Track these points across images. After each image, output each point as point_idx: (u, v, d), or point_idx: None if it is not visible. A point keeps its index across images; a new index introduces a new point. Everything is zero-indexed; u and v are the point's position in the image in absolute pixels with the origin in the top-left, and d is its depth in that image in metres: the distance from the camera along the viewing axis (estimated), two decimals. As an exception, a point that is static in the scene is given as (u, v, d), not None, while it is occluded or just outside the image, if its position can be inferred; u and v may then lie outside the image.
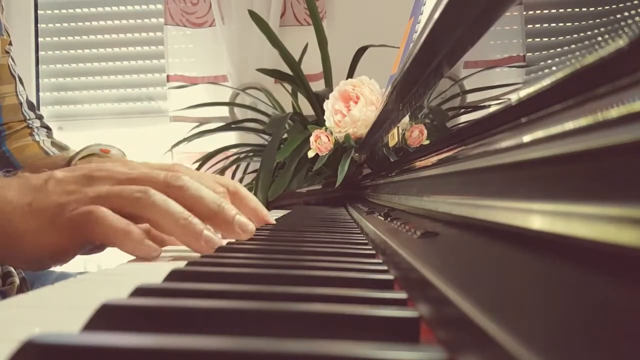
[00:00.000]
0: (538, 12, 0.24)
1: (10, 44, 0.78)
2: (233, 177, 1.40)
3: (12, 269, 0.73)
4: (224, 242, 0.38)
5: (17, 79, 0.79)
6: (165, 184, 0.39)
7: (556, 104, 0.18)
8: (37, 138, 0.80)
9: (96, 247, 0.43)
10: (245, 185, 1.14)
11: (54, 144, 0.83)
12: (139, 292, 0.20)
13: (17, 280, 0.72)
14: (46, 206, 0.37)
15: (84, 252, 0.41)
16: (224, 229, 0.41)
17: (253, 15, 1.30)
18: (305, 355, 0.12)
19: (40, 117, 0.83)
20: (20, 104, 0.79)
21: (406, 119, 0.54)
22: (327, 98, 1.08)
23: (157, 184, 0.39)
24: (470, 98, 0.34)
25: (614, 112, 0.13)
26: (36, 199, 0.37)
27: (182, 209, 0.38)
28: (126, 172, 0.40)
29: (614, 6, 0.16)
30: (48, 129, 0.84)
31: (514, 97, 0.23)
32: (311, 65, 1.50)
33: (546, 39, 0.22)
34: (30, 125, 0.80)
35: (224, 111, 1.62)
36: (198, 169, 1.34)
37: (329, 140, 1.04)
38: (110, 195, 0.37)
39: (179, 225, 0.37)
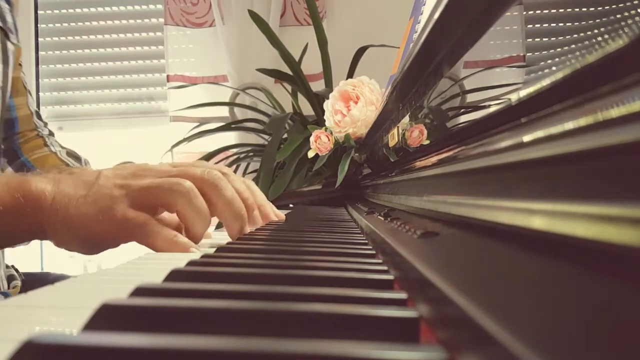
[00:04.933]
0: (538, 12, 0.24)
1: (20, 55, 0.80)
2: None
3: (15, 273, 0.75)
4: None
5: (28, 91, 0.83)
6: (202, 180, 0.44)
7: (556, 104, 0.18)
8: (52, 149, 0.84)
9: None
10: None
11: (69, 154, 0.88)
12: (139, 292, 0.20)
13: (19, 283, 0.73)
14: (99, 198, 0.42)
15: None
16: (231, 231, 0.46)
17: (253, 15, 1.30)
18: (305, 355, 0.12)
19: (45, 124, 0.87)
20: (31, 113, 0.83)
21: (406, 119, 0.54)
22: (327, 98, 1.08)
23: (194, 179, 0.43)
24: (470, 98, 0.34)
25: (614, 112, 0.13)
26: (90, 193, 0.42)
27: (208, 213, 0.43)
28: (167, 170, 0.45)
29: (614, 6, 0.16)
30: (51, 133, 0.88)
31: (514, 97, 0.23)
32: (311, 65, 1.50)
33: (546, 39, 0.22)
34: (40, 134, 0.84)
35: (224, 111, 1.62)
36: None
37: (329, 140, 1.04)
38: (152, 187, 0.42)
39: (203, 224, 0.43)
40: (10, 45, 0.72)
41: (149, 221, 0.41)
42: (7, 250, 0.72)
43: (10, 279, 0.73)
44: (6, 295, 0.66)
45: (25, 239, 0.45)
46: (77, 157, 0.88)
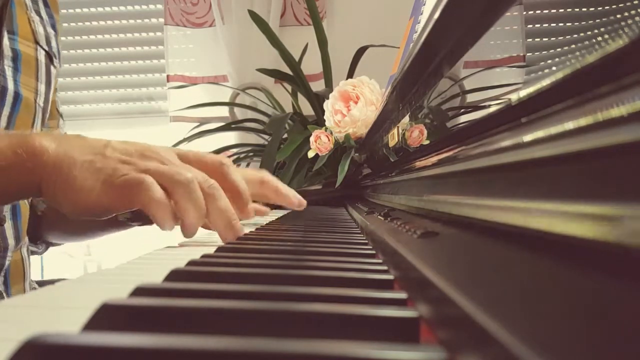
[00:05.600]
0: (538, 12, 0.24)
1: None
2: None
3: (38, 287, 0.76)
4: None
5: (60, 115, 0.83)
6: (199, 186, 0.44)
7: (556, 104, 0.18)
8: None
9: (135, 218, 0.51)
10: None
11: None
12: (139, 292, 0.20)
13: None
14: (103, 167, 0.43)
15: (126, 222, 0.49)
16: (223, 239, 0.46)
17: (253, 15, 1.30)
18: (305, 355, 0.12)
19: None
20: None
21: (406, 119, 0.54)
22: (327, 98, 1.08)
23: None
24: (470, 98, 0.34)
25: (614, 112, 0.13)
26: (95, 160, 0.43)
27: (204, 206, 0.44)
28: (171, 159, 0.46)
29: (614, 6, 0.16)
30: None
31: (514, 97, 0.23)
32: (311, 65, 1.50)
33: (546, 39, 0.22)
34: None
35: (224, 111, 1.62)
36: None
37: (329, 140, 1.04)
38: (156, 171, 0.43)
39: (198, 216, 0.43)
40: (52, 69, 0.73)
41: (147, 178, 0.42)
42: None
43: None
44: None
45: (22, 195, 0.45)
46: None
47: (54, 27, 0.76)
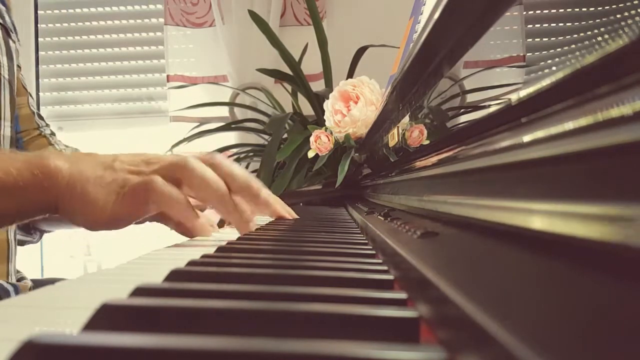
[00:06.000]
0: (538, 12, 0.24)
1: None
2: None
3: (25, 275, 0.76)
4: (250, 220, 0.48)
5: (28, 93, 0.85)
6: (204, 161, 0.48)
7: (556, 104, 0.18)
8: (57, 147, 0.88)
9: (150, 217, 0.53)
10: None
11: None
12: (139, 292, 0.20)
13: (30, 283, 0.74)
14: (114, 180, 0.46)
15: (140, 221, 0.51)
16: (250, 200, 0.49)
17: (253, 15, 1.30)
18: (305, 355, 0.12)
19: (47, 125, 0.90)
20: (33, 113, 0.85)
21: (406, 119, 0.54)
22: (327, 98, 1.08)
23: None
24: (470, 98, 0.34)
25: (614, 112, 0.13)
26: (106, 174, 0.46)
27: (219, 179, 0.47)
28: (175, 156, 0.49)
29: (614, 6, 0.16)
30: (53, 133, 0.90)
31: (514, 97, 0.23)
32: (311, 65, 1.50)
33: (546, 39, 0.22)
34: (43, 133, 0.86)
35: (224, 111, 1.62)
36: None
37: (329, 140, 1.04)
38: (162, 168, 0.46)
39: (217, 194, 0.46)
40: (11, 43, 0.74)
41: (153, 177, 0.44)
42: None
43: (20, 280, 0.75)
44: (15, 287, 0.67)
45: (38, 214, 0.48)
46: None
47: (3, 2, 0.77)
